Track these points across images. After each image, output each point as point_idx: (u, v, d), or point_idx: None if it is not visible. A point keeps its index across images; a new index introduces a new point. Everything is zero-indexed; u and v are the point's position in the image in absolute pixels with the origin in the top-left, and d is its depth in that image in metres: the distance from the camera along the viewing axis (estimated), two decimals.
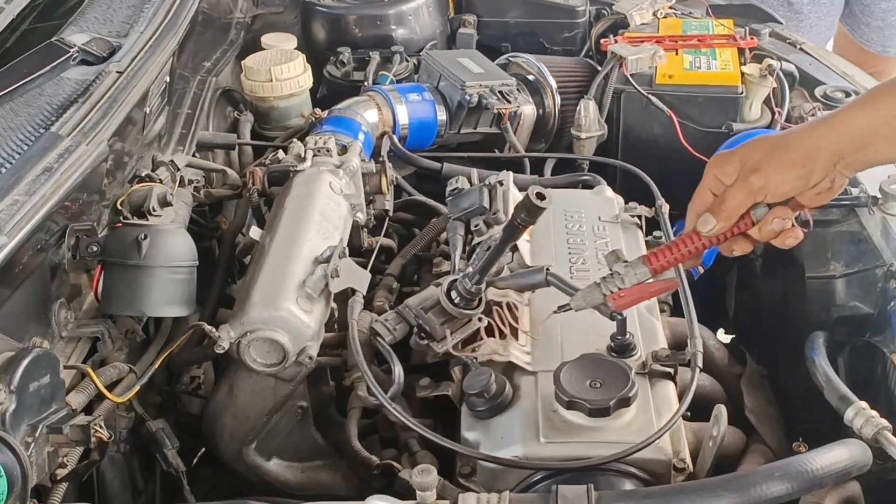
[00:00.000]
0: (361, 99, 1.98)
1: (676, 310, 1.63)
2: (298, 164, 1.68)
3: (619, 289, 1.22)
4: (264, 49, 2.21)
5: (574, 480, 1.12)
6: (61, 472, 1.19)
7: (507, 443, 1.23)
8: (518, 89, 2.08)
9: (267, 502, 1.16)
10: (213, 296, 1.56)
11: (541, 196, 1.22)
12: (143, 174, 1.59)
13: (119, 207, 1.49)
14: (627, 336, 1.32)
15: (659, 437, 1.18)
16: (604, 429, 1.22)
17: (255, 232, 1.54)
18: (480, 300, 1.37)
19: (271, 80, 2.08)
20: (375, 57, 2.25)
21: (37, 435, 1.13)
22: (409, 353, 1.41)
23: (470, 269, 1.36)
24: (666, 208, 1.67)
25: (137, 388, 1.35)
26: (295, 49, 2.21)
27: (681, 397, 1.27)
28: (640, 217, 1.68)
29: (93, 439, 1.20)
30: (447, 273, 1.51)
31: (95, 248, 1.36)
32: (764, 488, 1.04)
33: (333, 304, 1.45)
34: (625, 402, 1.22)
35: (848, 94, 2.00)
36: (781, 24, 2.38)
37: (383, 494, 1.04)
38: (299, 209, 1.54)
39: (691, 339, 1.33)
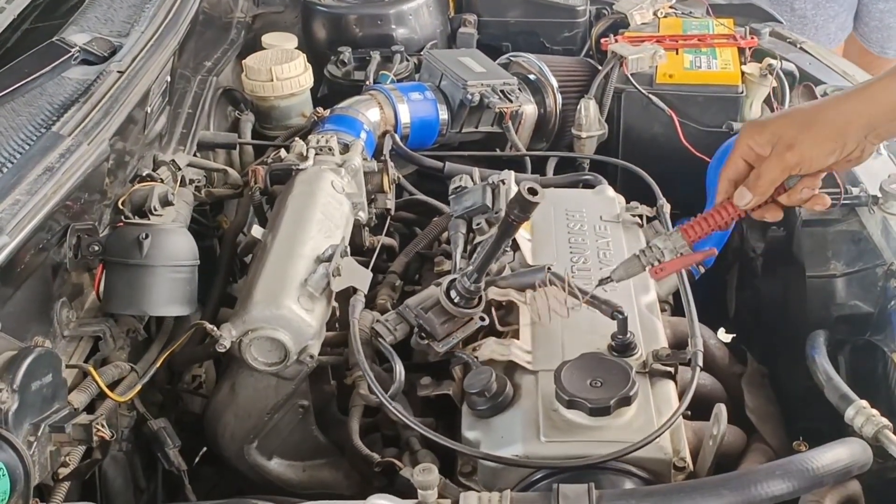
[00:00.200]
0: (363, 98, 1.98)
1: (677, 309, 1.63)
2: (300, 162, 1.68)
3: (659, 261, 1.25)
4: (265, 48, 2.21)
5: (575, 479, 1.12)
6: (63, 471, 1.19)
7: (508, 442, 1.23)
8: (519, 88, 2.08)
9: (268, 501, 1.16)
10: (215, 295, 1.57)
11: (533, 191, 1.22)
12: (144, 174, 1.60)
13: (120, 207, 1.49)
14: (628, 335, 1.32)
15: (659, 436, 1.18)
16: (604, 428, 1.22)
17: (256, 230, 1.55)
18: (480, 299, 1.37)
19: (272, 80, 2.08)
20: (376, 56, 2.26)
21: (39, 434, 1.13)
22: (411, 351, 1.41)
23: (469, 268, 1.36)
24: (667, 208, 1.67)
25: (139, 387, 1.35)
26: (296, 48, 2.21)
27: (681, 396, 1.27)
28: (641, 216, 1.68)
29: (95, 438, 1.20)
30: (448, 272, 1.51)
31: (97, 248, 1.37)
32: (764, 487, 1.04)
33: (335, 303, 1.45)
34: (625, 402, 1.22)
35: None
36: (782, 23, 2.38)
37: (385, 493, 1.04)
38: (301, 208, 1.55)
39: (692, 339, 1.33)
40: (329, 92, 2.28)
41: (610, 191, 1.78)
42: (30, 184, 1.27)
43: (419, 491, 1.05)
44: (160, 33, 1.70)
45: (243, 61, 2.14)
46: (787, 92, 2.05)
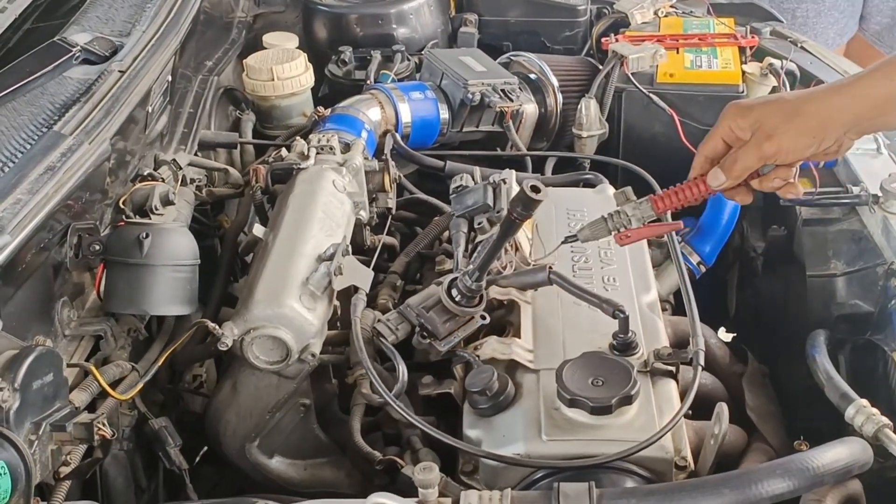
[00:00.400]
0: (364, 97, 1.98)
1: (678, 308, 1.63)
2: (302, 161, 1.68)
3: (626, 227, 1.27)
4: (266, 48, 2.21)
5: (576, 478, 1.12)
6: (65, 470, 1.19)
7: (509, 441, 1.23)
8: (520, 88, 2.08)
9: (270, 500, 1.16)
10: (216, 294, 1.57)
11: (535, 189, 1.22)
12: (145, 173, 1.60)
13: (121, 206, 1.49)
14: (629, 334, 1.32)
15: (661, 437, 1.19)
16: (606, 427, 1.22)
17: (258, 229, 1.55)
18: (482, 297, 1.37)
19: (273, 79, 2.08)
20: (377, 56, 2.26)
21: (40, 433, 1.13)
22: (412, 350, 1.42)
23: (470, 267, 1.36)
24: None
25: (140, 386, 1.35)
26: (296, 48, 2.21)
27: (682, 396, 1.28)
28: None
29: (96, 437, 1.20)
30: (450, 271, 1.51)
31: (98, 247, 1.37)
32: (765, 486, 1.04)
33: (336, 302, 1.45)
34: (627, 401, 1.22)
35: None
36: (782, 22, 2.38)
37: (386, 492, 1.04)
38: (302, 207, 1.55)
39: (693, 338, 1.33)
40: (330, 91, 2.28)
41: (611, 190, 1.78)
42: (31, 183, 1.27)
43: (420, 489, 1.05)
44: (161, 33, 1.70)
45: (244, 61, 2.14)
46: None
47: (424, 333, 1.36)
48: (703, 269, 1.87)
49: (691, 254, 1.86)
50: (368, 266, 1.50)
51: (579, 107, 2.09)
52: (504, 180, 1.59)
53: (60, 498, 1.17)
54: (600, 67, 2.17)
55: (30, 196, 1.24)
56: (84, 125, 1.41)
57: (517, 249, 1.50)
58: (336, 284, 1.39)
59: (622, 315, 1.30)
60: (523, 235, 1.54)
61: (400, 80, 2.16)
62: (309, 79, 2.14)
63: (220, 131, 2.02)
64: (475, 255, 1.42)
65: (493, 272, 1.42)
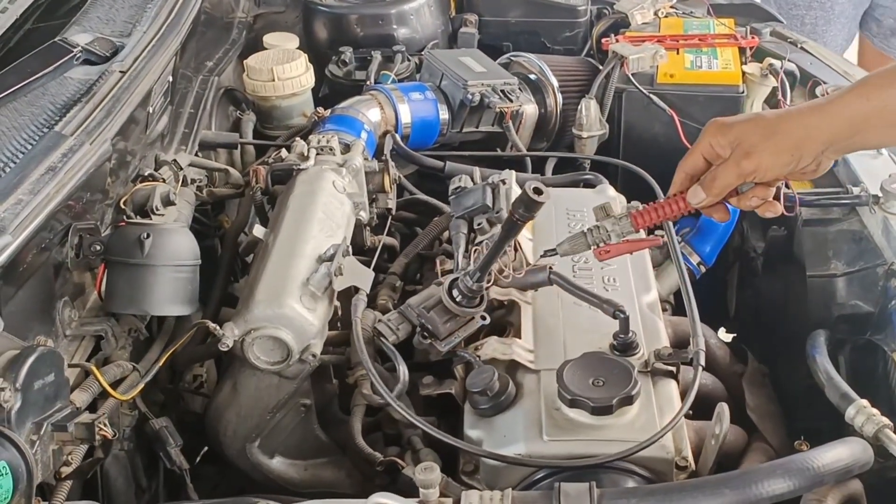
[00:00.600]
0: (364, 98, 1.98)
1: (678, 309, 1.63)
2: (302, 162, 1.68)
3: (605, 242, 1.27)
4: (266, 48, 2.21)
5: (576, 478, 1.12)
6: (66, 470, 1.19)
7: (510, 441, 1.23)
8: (520, 88, 2.09)
9: (270, 500, 1.16)
10: (216, 294, 1.57)
11: (538, 191, 1.22)
12: (146, 173, 1.60)
13: (122, 206, 1.49)
14: (630, 334, 1.32)
15: (662, 436, 1.19)
16: (606, 427, 1.22)
17: (258, 230, 1.55)
18: (482, 298, 1.37)
19: (273, 80, 2.08)
20: (377, 56, 2.26)
21: (41, 433, 1.13)
22: (412, 350, 1.42)
23: (471, 268, 1.36)
24: None
25: (141, 386, 1.35)
26: (297, 48, 2.21)
27: (683, 396, 1.28)
28: None
29: (97, 437, 1.20)
30: (450, 271, 1.51)
31: (99, 247, 1.37)
32: (765, 486, 1.04)
33: (337, 303, 1.45)
34: (627, 401, 1.22)
35: None
36: (783, 23, 2.38)
37: (387, 492, 1.04)
38: (303, 207, 1.55)
39: (693, 338, 1.33)
40: (330, 92, 2.28)
41: (611, 190, 1.79)
42: (32, 183, 1.27)
43: (421, 490, 1.06)
44: (162, 33, 1.70)
45: (245, 61, 2.14)
46: (787, 91, 2.06)
47: (425, 333, 1.36)
48: (703, 269, 1.88)
49: (691, 254, 1.86)
50: (369, 266, 1.50)
51: (579, 107, 2.09)
52: (503, 181, 1.59)
53: (61, 498, 1.17)
54: (600, 68, 2.17)
55: (31, 196, 1.24)
56: (85, 126, 1.41)
57: (517, 250, 1.50)
58: (336, 285, 1.39)
59: (622, 315, 1.30)
60: (524, 236, 1.54)
61: (400, 81, 2.17)
62: (309, 79, 2.14)
63: (221, 132, 2.02)
64: (476, 255, 1.42)
65: (493, 272, 1.43)
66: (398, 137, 1.94)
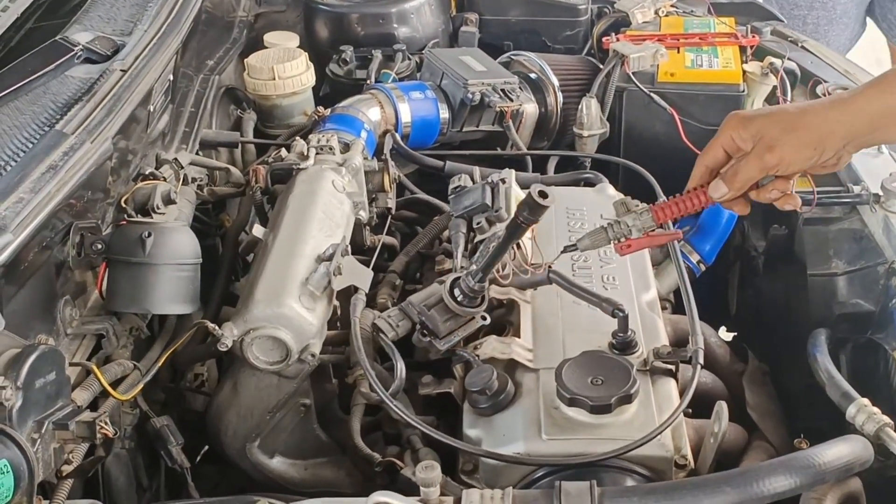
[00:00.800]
0: (364, 97, 1.98)
1: (678, 307, 1.63)
2: (301, 161, 1.68)
3: (626, 237, 1.27)
4: (267, 47, 2.21)
5: (576, 477, 1.12)
6: (67, 469, 1.20)
7: (509, 440, 1.23)
8: (520, 87, 2.09)
9: (270, 499, 1.16)
10: (217, 293, 1.57)
11: (543, 194, 1.23)
12: (147, 172, 1.60)
13: (123, 205, 1.50)
14: (629, 333, 1.32)
15: (660, 433, 1.19)
16: (605, 425, 1.22)
17: (258, 230, 1.55)
18: (483, 298, 1.37)
19: (274, 79, 2.08)
20: (378, 55, 2.26)
21: (43, 431, 1.13)
22: (412, 349, 1.42)
23: (473, 267, 1.36)
24: None
25: (142, 385, 1.35)
26: (297, 47, 2.21)
27: (682, 394, 1.28)
28: None
29: (98, 436, 1.20)
30: (449, 271, 1.51)
31: (100, 246, 1.37)
32: (766, 484, 1.05)
33: (336, 302, 1.45)
34: (626, 399, 1.22)
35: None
36: (783, 21, 2.38)
37: (387, 491, 1.05)
38: (302, 207, 1.55)
39: (693, 336, 1.33)
40: (331, 91, 2.28)
41: (611, 189, 1.79)
42: (33, 182, 1.27)
43: (421, 489, 1.06)
44: (163, 32, 1.70)
45: (245, 60, 2.14)
46: (788, 90, 2.06)
47: (425, 331, 1.36)
48: (702, 267, 1.88)
49: (691, 252, 1.86)
50: (368, 266, 1.50)
51: (580, 106, 2.09)
52: (502, 180, 1.59)
53: (63, 496, 1.17)
54: (601, 67, 2.17)
55: (32, 195, 1.25)
56: (86, 124, 1.41)
57: (518, 250, 1.50)
58: (335, 284, 1.39)
59: (621, 314, 1.31)
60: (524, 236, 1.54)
61: (401, 80, 2.17)
62: (310, 78, 2.14)
63: (222, 130, 2.02)
64: (477, 255, 1.43)
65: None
66: (398, 137, 1.94)
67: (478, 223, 1.54)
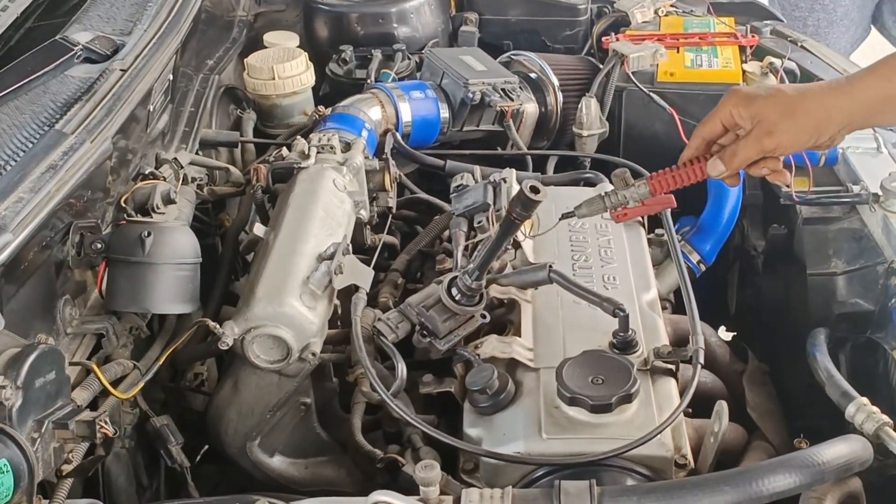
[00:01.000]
0: (365, 96, 1.98)
1: (678, 307, 1.63)
2: (303, 160, 1.68)
3: (623, 206, 1.31)
4: (267, 47, 2.21)
5: (576, 476, 1.12)
6: (67, 468, 1.19)
7: (510, 439, 1.23)
8: (520, 87, 2.09)
9: (271, 498, 1.16)
10: (217, 293, 1.57)
11: (535, 189, 1.23)
12: (146, 172, 1.60)
13: (123, 205, 1.50)
14: (629, 332, 1.32)
15: (660, 432, 1.19)
16: (606, 425, 1.22)
17: (258, 228, 1.55)
18: (482, 296, 1.37)
19: (274, 78, 2.08)
20: (377, 55, 2.26)
21: (43, 430, 1.13)
22: (412, 349, 1.42)
23: (470, 266, 1.37)
24: None
25: (142, 384, 1.36)
26: (297, 47, 2.21)
27: (682, 394, 1.28)
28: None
29: (98, 435, 1.20)
30: (450, 270, 1.51)
31: (100, 245, 1.37)
32: (765, 483, 1.05)
33: (337, 301, 1.45)
34: (627, 399, 1.22)
35: None
36: (783, 21, 2.38)
37: (387, 490, 1.04)
38: (303, 206, 1.55)
39: (693, 336, 1.33)
40: (331, 90, 2.29)
41: (610, 189, 1.78)
42: (33, 181, 1.27)
43: (421, 487, 1.06)
44: (162, 32, 1.70)
45: (245, 60, 2.14)
46: None
47: (424, 332, 1.36)
48: (703, 267, 1.88)
49: (691, 252, 1.87)
50: (369, 265, 1.51)
51: (580, 106, 2.10)
52: (504, 179, 1.59)
53: (62, 496, 1.17)
54: (601, 66, 2.17)
55: (32, 194, 1.25)
56: (86, 124, 1.41)
57: (517, 248, 1.50)
58: (337, 283, 1.39)
59: (622, 313, 1.31)
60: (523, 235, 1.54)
61: (401, 80, 2.17)
62: (310, 78, 2.14)
63: (222, 130, 2.02)
64: (475, 254, 1.43)
65: (493, 271, 1.43)
66: (399, 136, 1.95)
67: (479, 222, 1.54)
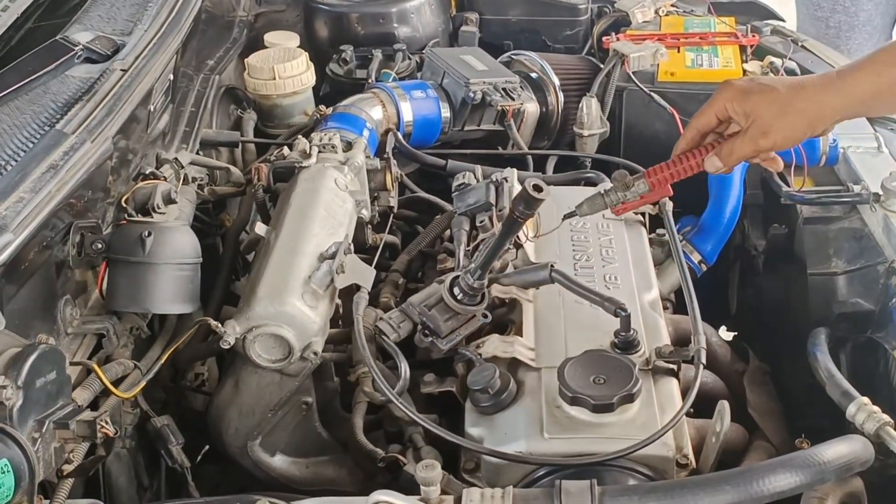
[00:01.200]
0: (366, 96, 1.98)
1: (679, 307, 1.63)
2: (304, 160, 1.68)
3: (622, 203, 1.35)
4: (267, 47, 2.21)
5: (577, 476, 1.12)
6: (67, 468, 1.19)
7: (511, 438, 1.23)
8: (521, 87, 2.09)
9: (272, 498, 1.16)
10: (218, 292, 1.57)
11: (538, 188, 1.23)
12: (147, 172, 1.60)
13: (123, 205, 1.50)
14: (631, 332, 1.32)
15: (663, 434, 1.19)
16: (607, 425, 1.22)
17: (259, 228, 1.55)
18: (483, 296, 1.37)
19: (274, 78, 2.08)
20: (378, 55, 2.26)
21: (43, 430, 1.13)
22: (413, 348, 1.42)
23: (472, 265, 1.37)
24: (669, 206, 1.67)
25: (143, 384, 1.36)
26: (298, 47, 2.21)
27: (684, 394, 1.28)
28: (643, 214, 1.69)
29: (99, 435, 1.20)
30: (451, 269, 1.51)
31: (100, 245, 1.37)
32: (766, 483, 1.05)
33: (338, 301, 1.45)
34: (628, 399, 1.22)
35: None
36: (783, 21, 2.38)
37: (388, 489, 1.04)
38: (304, 205, 1.55)
39: (694, 336, 1.33)
40: (331, 90, 2.29)
41: None
42: (34, 181, 1.27)
43: (422, 487, 1.06)
44: (163, 32, 1.70)
45: (246, 60, 2.14)
46: None
47: (426, 331, 1.36)
48: (704, 267, 1.88)
49: (692, 252, 1.86)
50: (370, 264, 1.50)
51: (580, 105, 2.10)
52: (505, 179, 1.59)
53: (63, 496, 1.17)
54: (601, 66, 2.17)
55: (32, 194, 1.25)
56: (86, 124, 1.41)
57: (519, 248, 1.50)
58: (338, 283, 1.39)
59: (624, 313, 1.30)
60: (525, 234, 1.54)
61: (401, 79, 2.17)
62: (310, 77, 2.14)
63: (222, 130, 2.02)
64: (477, 253, 1.43)
65: (494, 270, 1.43)
66: (400, 135, 1.95)
67: (480, 221, 1.54)
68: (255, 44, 2.26)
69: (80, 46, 1.59)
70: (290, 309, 1.34)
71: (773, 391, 1.56)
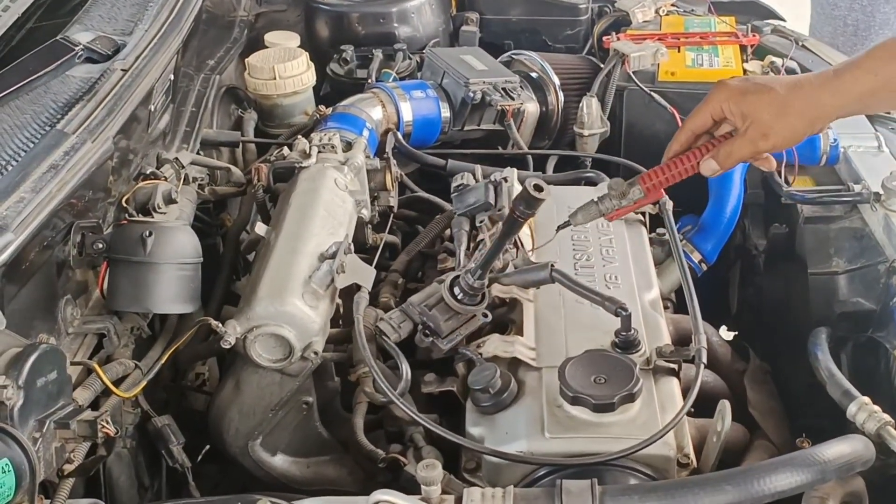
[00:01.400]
0: (366, 96, 1.98)
1: (680, 306, 1.63)
2: (304, 160, 1.68)
3: (616, 209, 1.34)
4: (268, 47, 2.21)
5: (578, 476, 1.12)
6: (68, 468, 1.19)
7: (512, 438, 1.23)
8: (521, 86, 2.09)
9: (272, 498, 1.16)
10: (219, 292, 1.57)
11: (538, 188, 1.23)
12: (147, 172, 1.60)
13: (124, 205, 1.50)
14: (632, 332, 1.32)
15: (664, 434, 1.19)
16: (608, 424, 1.22)
17: (260, 228, 1.55)
18: (484, 296, 1.37)
19: (275, 78, 2.08)
20: (378, 55, 2.26)
21: (44, 430, 1.13)
22: (414, 348, 1.42)
23: (472, 265, 1.37)
24: (669, 205, 1.67)
25: (143, 383, 1.36)
26: (298, 47, 2.21)
27: (685, 393, 1.28)
28: (643, 214, 1.69)
29: (100, 435, 1.20)
30: (451, 269, 1.51)
31: (101, 245, 1.37)
32: (767, 483, 1.04)
33: (338, 300, 1.45)
34: (629, 398, 1.22)
35: None
36: (784, 20, 2.38)
37: (389, 489, 1.04)
38: (305, 205, 1.55)
39: (695, 336, 1.33)
40: (331, 90, 2.29)
41: None
42: (34, 181, 1.27)
43: (423, 487, 1.06)
44: (163, 32, 1.70)
45: (246, 59, 2.14)
46: None
47: (427, 331, 1.36)
48: (704, 267, 1.88)
49: (693, 252, 1.86)
50: (370, 264, 1.50)
51: (581, 105, 2.10)
52: (505, 178, 1.59)
53: (64, 495, 1.17)
54: (602, 66, 2.17)
55: (33, 194, 1.25)
56: (87, 124, 1.41)
57: (519, 248, 1.50)
58: (338, 282, 1.39)
59: (624, 313, 1.30)
60: (524, 234, 1.54)
61: (401, 79, 2.17)
62: (311, 77, 2.14)
63: (223, 130, 2.02)
64: (477, 252, 1.43)
65: (495, 270, 1.43)
66: (400, 135, 1.95)
67: (480, 221, 1.54)
68: (256, 44, 2.26)
69: (81, 46, 1.59)
70: (291, 309, 1.34)
71: (773, 391, 1.56)
